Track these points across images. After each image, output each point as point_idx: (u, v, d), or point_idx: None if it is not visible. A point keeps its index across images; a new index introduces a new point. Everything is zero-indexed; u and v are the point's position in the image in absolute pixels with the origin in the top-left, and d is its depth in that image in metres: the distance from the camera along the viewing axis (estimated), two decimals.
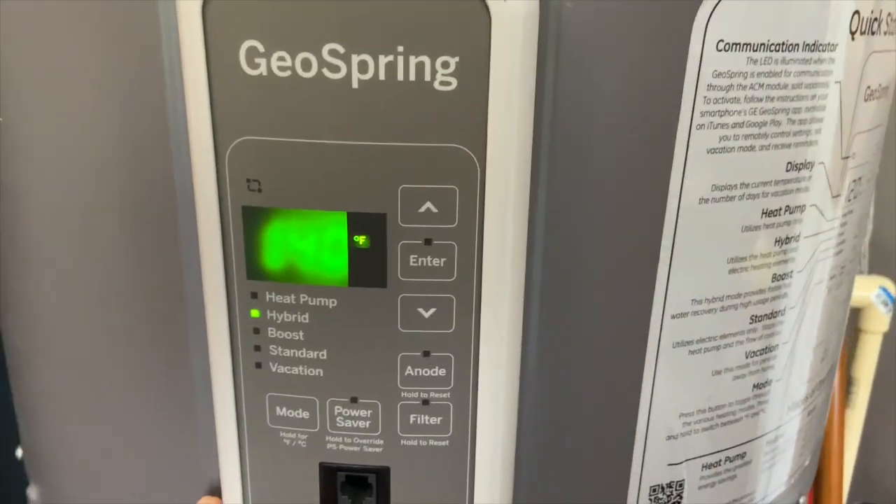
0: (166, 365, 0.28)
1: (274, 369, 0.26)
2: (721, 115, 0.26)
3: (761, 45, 0.25)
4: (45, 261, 0.29)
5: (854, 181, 0.32)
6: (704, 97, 0.25)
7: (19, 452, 0.43)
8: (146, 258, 0.27)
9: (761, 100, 0.26)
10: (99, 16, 0.24)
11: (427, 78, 0.22)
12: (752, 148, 0.27)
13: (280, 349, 0.25)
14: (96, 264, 0.28)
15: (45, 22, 0.25)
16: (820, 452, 0.54)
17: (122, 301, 0.28)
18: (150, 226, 0.26)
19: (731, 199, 0.27)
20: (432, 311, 0.25)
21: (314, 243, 0.24)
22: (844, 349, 0.56)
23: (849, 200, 0.32)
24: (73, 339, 0.30)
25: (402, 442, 0.26)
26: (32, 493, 0.39)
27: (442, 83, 0.22)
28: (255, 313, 0.25)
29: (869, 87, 0.30)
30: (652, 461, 0.30)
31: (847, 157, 0.30)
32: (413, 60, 0.22)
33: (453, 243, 0.24)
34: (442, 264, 0.24)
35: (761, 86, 0.26)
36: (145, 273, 0.27)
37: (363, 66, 0.22)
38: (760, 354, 0.31)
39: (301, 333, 0.25)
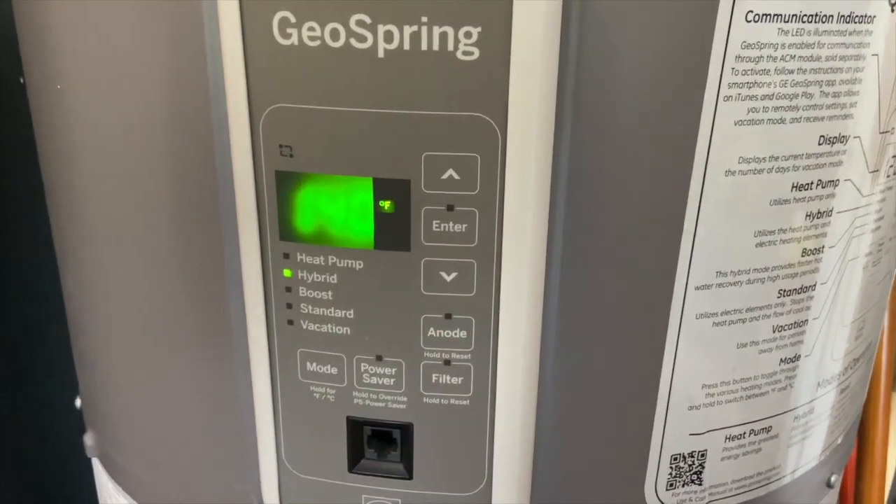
0: (208, 322, 0.30)
1: (304, 326, 0.27)
2: (750, 87, 0.25)
3: (793, 16, 0.25)
4: (98, 218, 0.31)
5: (894, 156, 0.31)
6: (732, 68, 0.25)
7: (78, 402, 0.46)
8: (188, 220, 0.28)
9: (793, 72, 0.26)
10: None
11: (450, 48, 0.23)
12: (782, 121, 0.26)
13: (310, 307, 0.27)
14: (144, 225, 0.30)
15: None
16: (857, 433, 0.53)
17: (168, 260, 0.30)
18: (192, 189, 0.27)
19: (760, 171, 0.27)
20: (454, 274, 0.26)
21: (342, 207, 0.25)
22: (894, 333, 0.55)
23: (888, 176, 0.31)
24: (127, 297, 0.32)
25: (424, 400, 0.27)
26: (89, 439, 0.42)
27: (464, 53, 0.23)
28: (287, 273, 0.26)
29: None
30: (673, 430, 0.30)
31: (886, 132, 0.30)
32: (437, 30, 0.22)
33: (475, 209, 0.25)
34: (464, 230, 0.25)
35: (793, 57, 0.25)
36: (188, 235, 0.28)
37: (389, 37, 0.23)
38: (789, 329, 0.31)
39: (329, 293, 0.26)
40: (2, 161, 0.64)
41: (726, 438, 0.31)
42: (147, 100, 0.27)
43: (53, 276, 0.42)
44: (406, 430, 0.28)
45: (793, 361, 0.31)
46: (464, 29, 0.22)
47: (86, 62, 0.28)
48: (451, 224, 0.25)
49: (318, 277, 0.26)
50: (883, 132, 0.30)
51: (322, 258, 0.26)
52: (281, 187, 0.25)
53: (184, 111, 0.26)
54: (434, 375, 0.27)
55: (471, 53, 0.23)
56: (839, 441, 0.39)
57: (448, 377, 0.27)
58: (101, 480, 0.42)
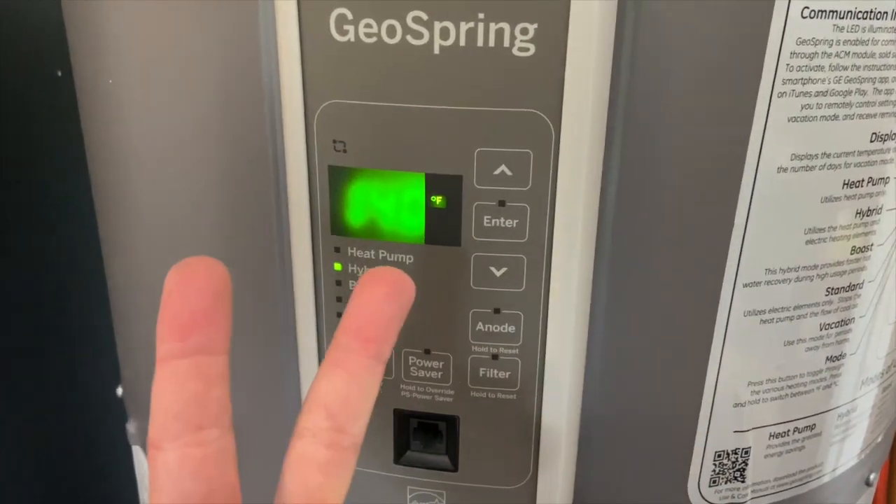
0: (256, 313, 0.30)
1: None
2: (804, 84, 0.25)
3: (848, 12, 0.25)
4: (149, 213, 0.32)
5: None
6: (787, 65, 0.25)
7: (119, 391, 0.46)
8: (240, 213, 0.29)
9: (847, 68, 0.25)
10: None
11: (506, 44, 0.23)
12: (835, 117, 0.26)
13: None
14: (197, 217, 0.30)
15: None
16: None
17: (218, 253, 0.30)
18: (245, 183, 0.28)
19: (812, 168, 0.27)
20: (504, 270, 0.26)
21: (394, 202, 0.25)
22: None
23: None
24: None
25: (471, 393, 0.28)
26: (131, 427, 0.42)
27: (520, 49, 0.23)
28: (337, 266, 0.27)
29: None
30: (718, 427, 0.30)
31: None
32: (493, 27, 0.23)
33: (526, 205, 0.25)
34: (514, 225, 0.25)
35: (847, 54, 0.25)
36: (239, 227, 0.29)
37: (445, 33, 0.23)
38: (836, 327, 0.30)
39: None
40: (45, 153, 0.65)
41: (770, 436, 0.31)
42: (201, 94, 0.27)
43: (96, 260, 0.43)
44: (452, 422, 0.28)
45: (838, 359, 0.31)
46: (520, 25, 0.22)
47: (139, 57, 0.29)
48: (502, 219, 0.25)
49: None
50: None
51: (372, 252, 0.26)
52: (333, 182, 0.25)
53: (238, 106, 0.27)
54: (482, 369, 0.27)
55: (526, 50, 0.23)
56: (879, 439, 0.39)
57: (495, 371, 0.27)
58: (142, 468, 0.43)
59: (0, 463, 0.65)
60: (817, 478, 0.34)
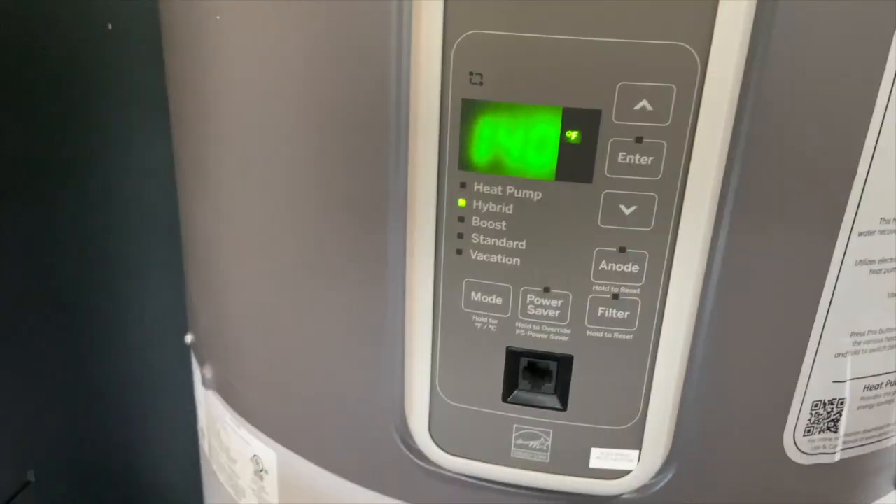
0: (361, 249, 0.30)
1: (473, 256, 0.27)
2: None
3: None
4: (248, 147, 0.31)
5: None
6: None
7: (188, 338, 0.47)
8: (350, 145, 0.28)
9: None
10: None
11: None
12: None
13: (482, 238, 0.27)
14: (302, 149, 0.30)
15: None
16: None
17: (322, 186, 0.30)
18: (359, 113, 0.28)
19: None
20: (633, 208, 0.26)
21: (527, 137, 0.25)
22: None
23: None
24: (274, 220, 0.32)
25: (587, 333, 0.28)
26: (207, 372, 0.42)
27: None
28: (461, 202, 0.27)
29: None
30: (818, 377, 0.30)
31: None
32: None
33: (664, 142, 0.25)
34: (649, 162, 0.25)
35: None
36: (346, 161, 0.29)
37: None
38: None
39: (503, 224, 0.27)
40: (98, 102, 0.65)
41: (865, 388, 0.32)
42: (317, 18, 0.27)
43: (152, 214, 0.43)
44: (565, 362, 0.28)
45: None
46: None
47: None
48: (637, 156, 0.25)
49: (493, 207, 0.27)
50: None
51: (500, 188, 0.26)
52: (466, 116, 0.25)
53: (359, 33, 0.26)
54: (600, 309, 0.27)
55: None
56: None
57: (614, 311, 0.27)
58: (215, 413, 0.44)
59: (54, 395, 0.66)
60: None
